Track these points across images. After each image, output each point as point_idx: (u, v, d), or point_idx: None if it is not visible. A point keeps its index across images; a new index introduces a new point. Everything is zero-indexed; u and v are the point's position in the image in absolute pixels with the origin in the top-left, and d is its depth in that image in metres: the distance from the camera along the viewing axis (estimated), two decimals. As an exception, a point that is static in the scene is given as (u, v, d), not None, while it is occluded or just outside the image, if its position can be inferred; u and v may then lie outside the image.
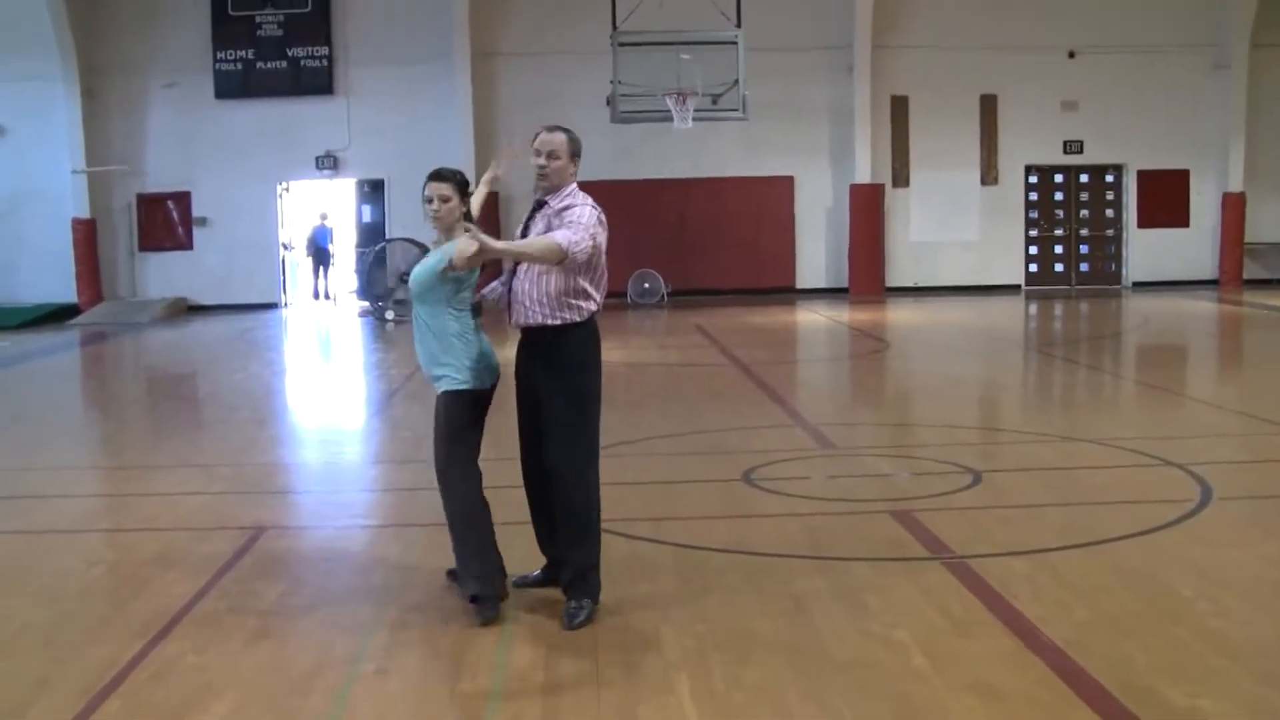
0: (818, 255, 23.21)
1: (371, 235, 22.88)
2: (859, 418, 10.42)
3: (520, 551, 5.24)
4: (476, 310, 5.00)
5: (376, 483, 8.09)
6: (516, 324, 4.92)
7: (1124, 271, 23.73)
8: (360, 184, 23.48)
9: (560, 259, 4.62)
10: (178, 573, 5.58)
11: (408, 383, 12.18)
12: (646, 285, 22.20)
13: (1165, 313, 18.86)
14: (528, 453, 5.00)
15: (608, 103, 18.32)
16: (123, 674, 4.33)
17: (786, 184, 22.97)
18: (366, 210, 23.68)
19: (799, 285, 23.14)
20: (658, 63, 17.68)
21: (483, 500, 4.91)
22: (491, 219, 19.96)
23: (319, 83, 22.57)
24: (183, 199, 22.87)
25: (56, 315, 21.39)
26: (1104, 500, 6.71)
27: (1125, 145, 23.05)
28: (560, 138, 4.88)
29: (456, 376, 4.87)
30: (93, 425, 11.46)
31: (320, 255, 24.37)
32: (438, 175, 4.95)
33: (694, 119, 17.98)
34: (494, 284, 5.10)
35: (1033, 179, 23.51)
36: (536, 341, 4.89)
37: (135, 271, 23.05)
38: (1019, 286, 23.43)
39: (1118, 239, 23.77)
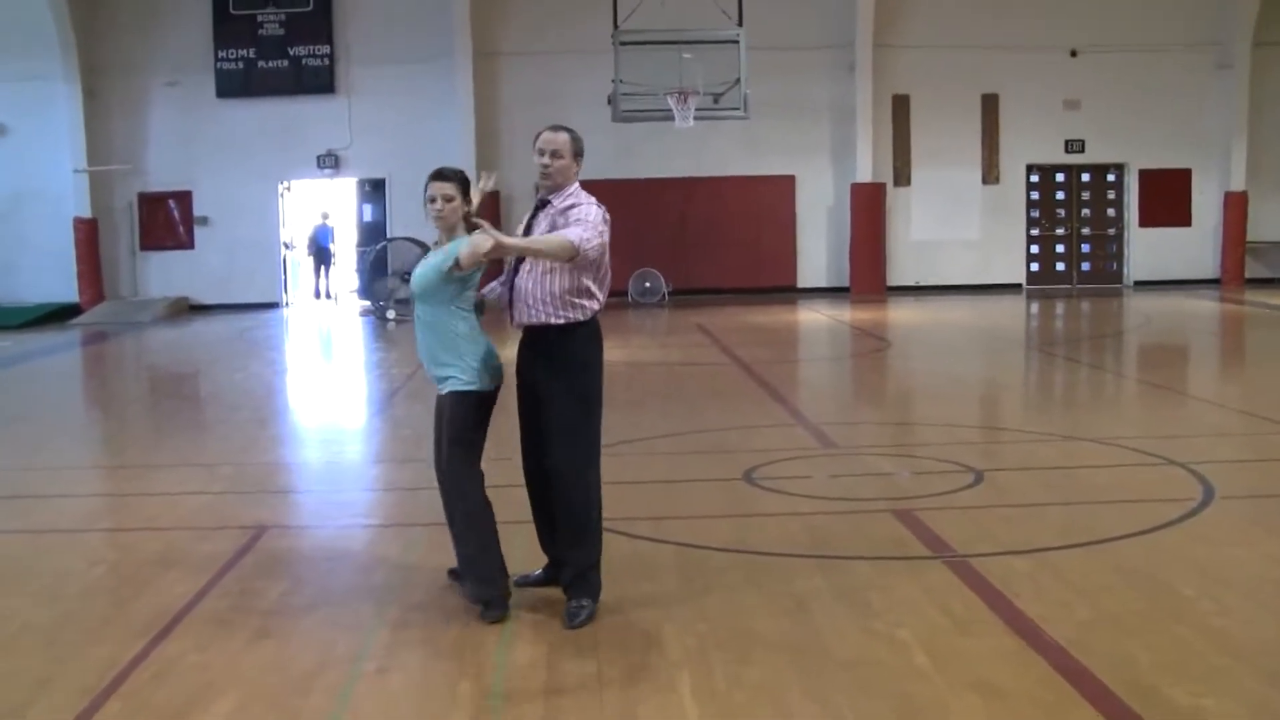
0: (819, 254, 23.20)
1: (373, 234, 22.88)
2: (860, 417, 10.41)
3: (521, 551, 5.24)
4: (479, 310, 4.99)
5: (378, 482, 8.09)
6: (519, 323, 4.91)
7: (1125, 271, 23.71)
8: (361, 183, 23.48)
9: (572, 256, 4.64)
10: (179, 572, 5.58)
11: (409, 382, 12.18)
12: (648, 284, 22.20)
13: (1167, 312, 18.85)
14: (529, 452, 5.00)
15: (609, 102, 18.32)
16: (124, 673, 4.33)
17: (788, 183, 22.96)
18: (368, 209, 23.68)
19: (800, 284, 23.13)
20: (659, 62, 17.68)
21: (485, 501, 4.91)
22: (492, 218, 19.94)
23: (320, 82, 22.57)
24: (184, 198, 22.87)
25: (58, 315, 21.39)
26: (1106, 499, 6.70)
27: (1127, 144, 23.03)
28: (563, 137, 4.88)
29: (463, 378, 4.85)
30: (94, 425, 11.46)
31: (321, 254, 24.38)
32: (440, 175, 4.95)
33: (695, 118, 17.96)
34: (492, 284, 5.10)
35: (1034, 178, 23.49)
36: (539, 341, 4.88)
37: (136, 271, 23.05)
38: (1020, 286, 23.42)
39: (1119, 238, 23.75)
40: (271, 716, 3.98)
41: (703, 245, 22.69)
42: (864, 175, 22.49)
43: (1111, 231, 23.76)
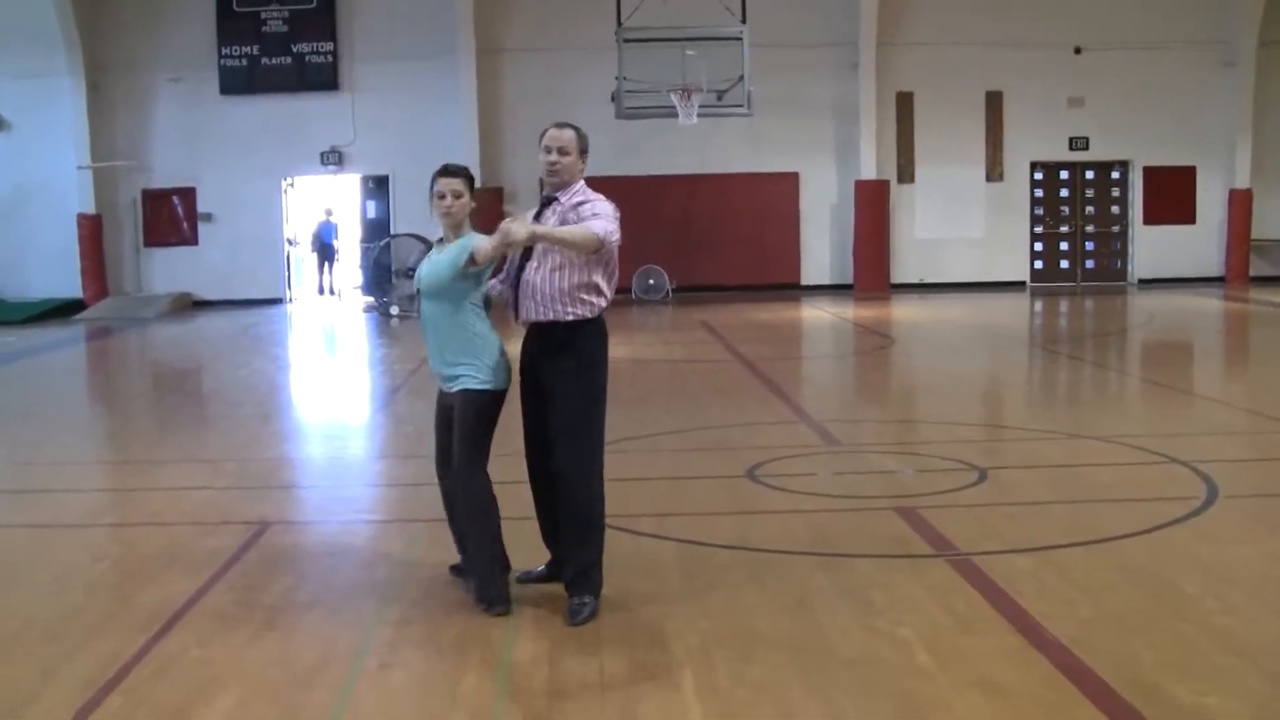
0: (822, 252, 23.19)
1: (376, 231, 22.89)
2: (864, 414, 10.40)
3: (524, 547, 5.24)
4: (487, 306, 4.98)
5: (380, 478, 8.10)
6: (525, 319, 4.91)
7: (1129, 268, 23.68)
8: (365, 180, 23.48)
9: (598, 248, 4.67)
10: (182, 567, 5.58)
11: (411, 378, 12.18)
12: (651, 281, 22.19)
13: (1171, 310, 18.82)
14: (533, 450, 4.99)
15: (612, 99, 18.32)
16: (127, 668, 4.33)
17: (791, 180, 22.94)
18: (371, 206, 23.69)
19: (804, 282, 23.12)
20: (663, 59, 17.67)
21: (492, 498, 4.90)
22: (495, 217, 19.94)
23: (324, 78, 22.57)
24: (188, 194, 22.88)
25: (62, 310, 21.42)
26: (1109, 498, 6.70)
27: (1131, 142, 22.99)
28: (569, 134, 4.88)
29: (478, 376, 4.83)
30: (98, 420, 11.47)
31: (325, 251, 24.40)
32: (448, 171, 4.93)
33: (699, 115, 17.96)
34: (492, 281, 5.08)
35: (1038, 175, 23.46)
36: (546, 337, 4.88)
37: (140, 267, 23.07)
38: (1024, 283, 23.39)
39: (1123, 236, 23.72)
40: (273, 712, 3.99)
41: (706, 242, 22.68)
42: (868, 173, 22.47)
43: (1115, 229, 23.72)
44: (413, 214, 21.45)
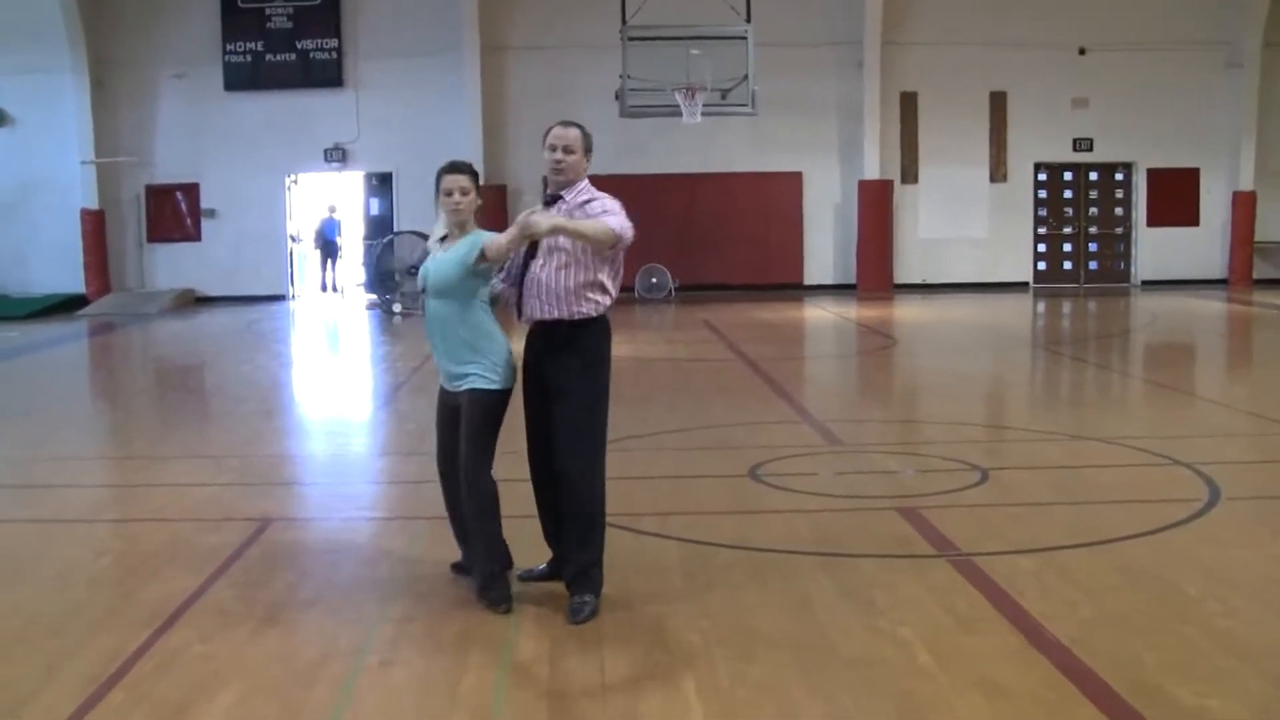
0: (826, 251, 23.18)
1: (379, 228, 22.89)
2: (866, 414, 10.40)
3: (526, 545, 5.24)
4: (492, 305, 4.98)
5: (382, 475, 8.10)
6: (529, 318, 4.90)
7: (1133, 270, 23.66)
8: (368, 177, 23.49)
9: (614, 243, 4.69)
10: (184, 563, 5.59)
11: (414, 375, 12.18)
12: (654, 280, 22.18)
13: (1174, 311, 18.81)
14: (536, 449, 4.98)
15: (616, 97, 18.31)
16: (129, 663, 4.34)
17: (795, 180, 22.94)
18: (374, 203, 23.70)
19: (807, 281, 23.12)
20: (667, 57, 17.67)
21: (496, 496, 4.91)
22: (499, 214, 19.96)
23: (328, 75, 22.58)
24: (191, 190, 22.90)
25: (65, 306, 21.44)
26: (1111, 499, 6.69)
27: (1135, 143, 22.97)
28: (575, 132, 4.89)
29: (489, 375, 4.82)
30: (100, 415, 11.48)
31: (328, 248, 24.38)
32: (455, 167, 4.93)
33: (703, 114, 17.96)
34: (494, 280, 5.08)
35: (1042, 176, 23.44)
36: (550, 336, 4.88)
37: (143, 262, 23.09)
38: (1027, 284, 23.38)
39: (1127, 237, 23.70)
40: (274, 708, 3.99)
41: (710, 241, 22.68)
42: (871, 172, 22.46)
43: (1119, 231, 23.70)
44: (416, 211, 21.46)
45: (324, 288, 24.36)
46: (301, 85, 22.51)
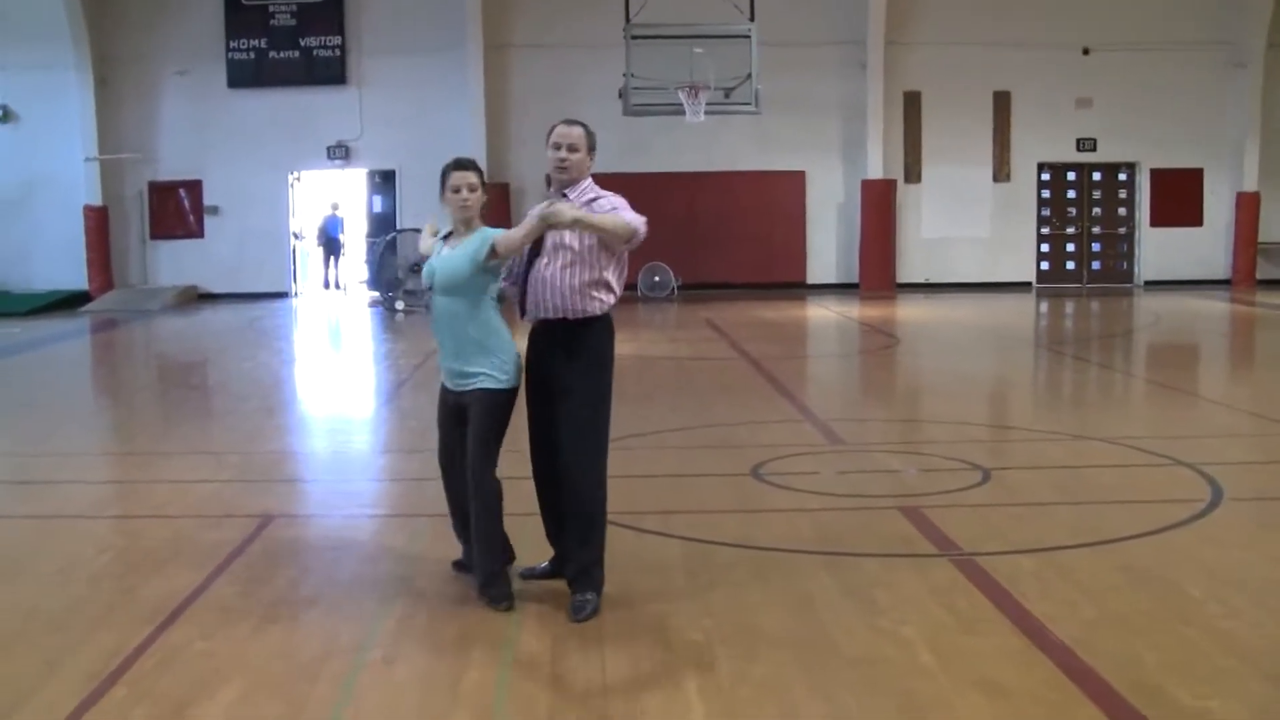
0: (829, 250, 23.17)
1: (382, 225, 22.90)
2: (868, 413, 10.40)
3: (528, 543, 5.24)
4: (499, 302, 4.98)
5: (384, 472, 8.11)
6: (533, 317, 4.90)
7: (1136, 270, 23.64)
8: (371, 174, 23.50)
9: (630, 238, 4.71)
10: (186, 560, 5.59)
11: (416, 372, 12.19)
12: (657, 279, 22.18)
13: (1177, 312, 18.79)
14: (539, 448, 4.98)
15: (620, 96, 18.31)
16: (130, 660, 4.34)
17: (798, 179, 22.93)
18: (377, 200, 23.71)
19: (810, 280, 23.11)
20: (670, 56, 17.66)
21: (500, 495, 4.91)
22: (502, 212, 19.97)
23: (331, 72, 22.60)
24: (194, 187, 22.92)
25: (68, 302, 21.47)
26: (1113, 499, 6.69)
27: (1139, 143, 22.96)
28: (579, 131, 4.89)
29: (497, 375, 4.82)
30: (103, 412, 11.50)
31: (331, 245, 24.42)
32: (461, 164, 4.92)
33: (706, 113, 17.95)
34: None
35: (1045, 176, 23.43)
36: (554, 335, 4.87)
37: (146, 259, 23.11)
38: (1030, 284, 23.37)
39: (1130, 237, 23.68)
40: (276, 704, 3.99)
41: (713, 240, 22.67)
42: (874, 172, 22.45)
43: (1122, 231, 23.68)
44: (419, 209, 21.47)
45: (327, 285, 24.38)
46: (305, 82, 22.53)
